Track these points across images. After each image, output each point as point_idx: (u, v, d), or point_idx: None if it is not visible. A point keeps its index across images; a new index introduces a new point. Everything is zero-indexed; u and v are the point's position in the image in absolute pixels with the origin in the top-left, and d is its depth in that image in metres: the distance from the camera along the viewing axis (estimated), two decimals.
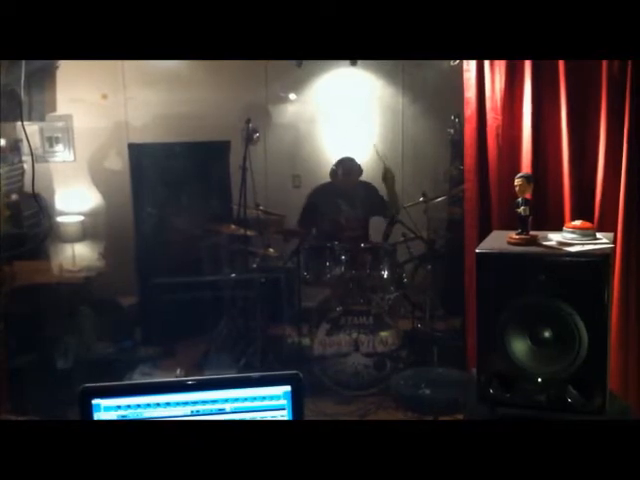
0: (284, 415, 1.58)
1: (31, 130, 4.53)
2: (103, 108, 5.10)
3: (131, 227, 5.26)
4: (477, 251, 2.23)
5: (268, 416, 1.57)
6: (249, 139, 4.45)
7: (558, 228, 2.36)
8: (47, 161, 5.09)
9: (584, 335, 2.05)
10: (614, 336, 2.68)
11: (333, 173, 4.83)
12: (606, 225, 2.74)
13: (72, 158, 5.19)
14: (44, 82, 4.50)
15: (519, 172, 2.60)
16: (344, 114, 5.43)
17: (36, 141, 4.95)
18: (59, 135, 5.13)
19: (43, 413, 3.41)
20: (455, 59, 3.27)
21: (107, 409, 1.53)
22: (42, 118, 4.66)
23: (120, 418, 1.53)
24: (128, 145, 5.20)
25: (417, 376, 4.13)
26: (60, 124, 5.08)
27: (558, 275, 2.09)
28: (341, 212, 4.72)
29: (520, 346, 2.14)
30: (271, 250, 4.66)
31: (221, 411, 1.56)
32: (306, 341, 4.23)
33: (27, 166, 4.65)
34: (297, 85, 5.40)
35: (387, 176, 4.51)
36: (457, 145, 5.04)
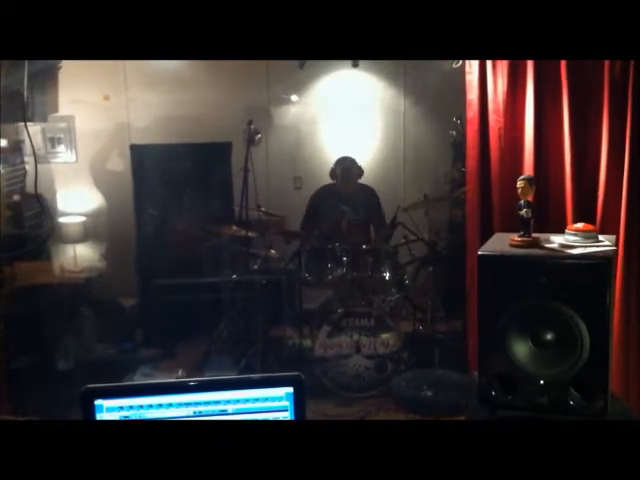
0: (286, 416, 1.58)
1: (33, 131, 4.53)
2: (105, 109, 5.11)
3: (132, 228, 5.26)
4: (479, 253, 2.22)
5: (270, 417, 1.57)
6: (251, 140, 4.45)
7: (560, 230, 2.35)
8: (49, 162, 5.10)
9: (586, 337, 2.04)
10: (616, 338, 2.68)
11: (332, 173, 4.84)
12: (608, 227, 2.74)
13: (74, 159, 5.19)
14: (46, 83, 4.51)
15: (521, 174, 2.60)
16: (346, 116, 5.43)
17: (38, 142, 4.95)
18: (61, 136, 5.13)
19: (43, 414, 3.40)
20: (457, 59, 3.27)
21: (109, 410, 1.53)
22: (44, 119, 4.67)
23: (122, 419, 1.53)
24: (130, 146, 5.20)
25: (418, 378, 4.13)
26: (62, 125, 5.09)
27: (560, 277, 2.08)
28: (343, 214, 4.71)
29: (522, 348, 2.13)
30: (272, 251, 4.65)
31: (223, 412, 1.56)
32: (307, 343, 4.22)
33: (29, 167, 4.65)
34: (299, 87, 5.40)
35: None
36: (459, 147, 5.04)
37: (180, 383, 1.69)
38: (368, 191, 4.86)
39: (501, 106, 3.08)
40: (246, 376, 1.69)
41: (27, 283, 4.33)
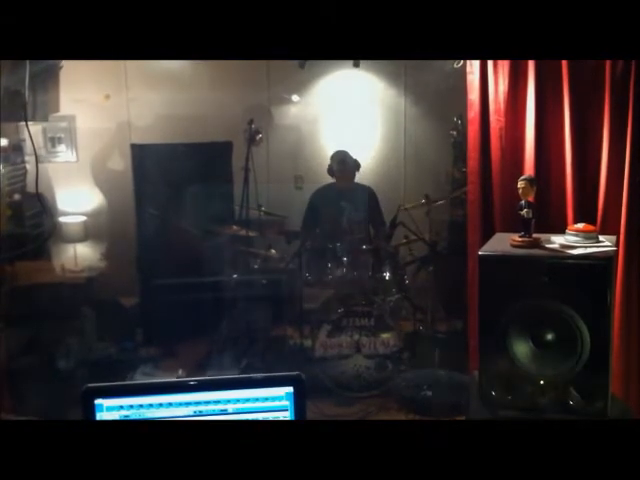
0: (286, 416, 1.57)
1: (34, 130, 4.52)
2: (106, 109, 5.11)
3: (133, 228, 5.26)
4: (480, 253, 2.23)
5: (270, 417, 1.57)
6: (251, 140, 4.46)
7: (561, 231, 2.36)
8: (50, 161, 5.11)
9: (586, 338, 2.05)
10: (616, 339, 2.67)
11: (330, 169, 4.84)
12: (609, 228, 2.74)
13: (75, 158, 5.19)
14: (47, 82, 4.50)
15: (522, 174, 2.60)
16: (346, 116, 5.43)
17: (39, 141, 4.96)
18: (62, 135, 5.14)
19: (43, 413, 3.40)
20: (458, 59, 3.26)
21: (110, 409, 1.53)
22: (45, 118, 4.66)
23: (122, 418, 1.53)
24: (131, 145, 5.20)
25: (419, 378, 4.13)
26: (63, 124, 5.09)
27: (561, 278, 2.09)
28: (342, 211, 4.71)
29: (522, 348, 2.14)
30: (273, 251, 4.66)
31: (223, 412, 1.56)
32: (307, 342, 4.23)
33: (30, 166, 4.66)
34: (299, 86, 5.40)
35: None
36: (459, 147, 5.04)
37: (180, 382, 1.69)
38: (366, 191, 4.86)
39: (502, 106, 3.08)
40: (246, 376, 1.70)
41: (27, 282, 4.34)
